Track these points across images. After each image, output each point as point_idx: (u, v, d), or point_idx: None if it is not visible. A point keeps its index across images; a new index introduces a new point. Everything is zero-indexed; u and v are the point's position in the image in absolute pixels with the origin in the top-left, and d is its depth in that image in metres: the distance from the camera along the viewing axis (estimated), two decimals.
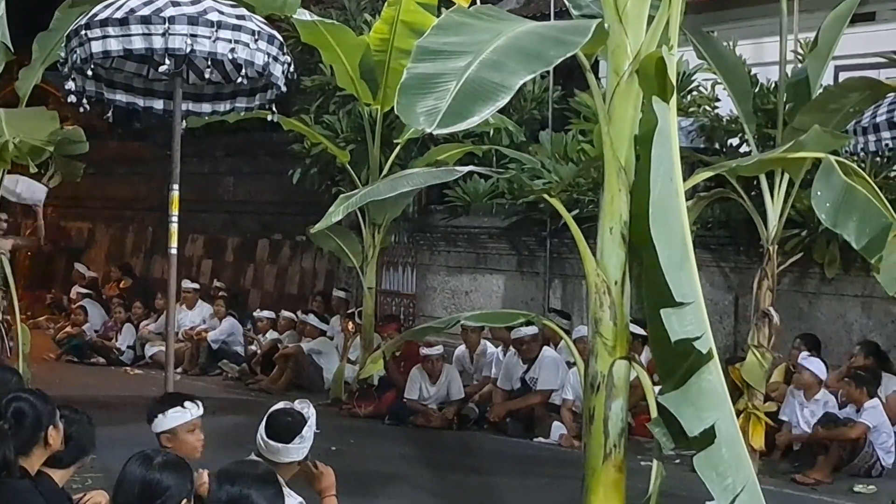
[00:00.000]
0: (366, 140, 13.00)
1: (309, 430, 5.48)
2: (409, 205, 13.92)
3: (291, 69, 8.18)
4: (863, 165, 9.39)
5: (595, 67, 6.25)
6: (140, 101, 8.86)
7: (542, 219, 12.97)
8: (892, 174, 10.26)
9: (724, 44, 10.63)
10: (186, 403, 5.59)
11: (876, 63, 10.98)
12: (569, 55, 4.99)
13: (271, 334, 14.83)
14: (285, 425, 5.47)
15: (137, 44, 7.39)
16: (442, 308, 14.37)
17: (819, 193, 6.34)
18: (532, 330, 11.30)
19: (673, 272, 4.61)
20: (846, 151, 8.72)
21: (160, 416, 5.57)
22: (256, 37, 7.62)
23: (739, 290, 11.41)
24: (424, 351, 12.01)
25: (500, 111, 11.92)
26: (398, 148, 12.62)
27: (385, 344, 11.39)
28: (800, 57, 10.95)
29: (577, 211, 11.13)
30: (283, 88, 8.43)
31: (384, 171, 12.39)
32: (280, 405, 5.67)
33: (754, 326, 9.59)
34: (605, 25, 5.65)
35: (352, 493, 7.49)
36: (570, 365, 11.17)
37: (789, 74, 10.02)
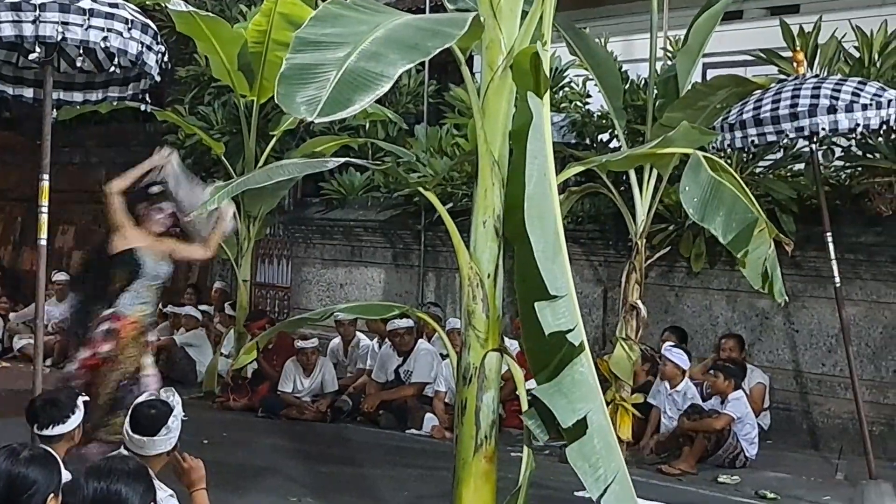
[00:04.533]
0: (241, 132, 12.91)
1: (174, 421, 5.45)
2: (285, 197, 13.85)
3: (166, 59, 8.08)
4: (730, 161, 9.62)
5: (470, 62, 6.31)
6: (9, 90, 8.65)
7: (417, 212, 13.02)
8: (758, 170, 10.53)
9: (596, 40, 10.78)
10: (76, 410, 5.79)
11: (743, 61, 11.23)
12: (445, 46, 5.04)
13: None
14: (149, 417, 5.43)
15: (6, 31, 7.21)
16: (317, 300, 14.33)
17: (687, 189, 6.48)
18: (407, 322, 11.36)
19: (546, 265, 4.68)
20: (714, 147, 8.89)
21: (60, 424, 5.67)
22: (130, 25, 7.49)
23: (608, 284, 11.59)
24: (299, 343, 11.98)
25: (377, 104, 12.01)
26: (274, 139, 12.57)
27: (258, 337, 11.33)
28: (669, 54, 11.17)
29: (451, 204, 11.22)
30: (157, 78, 8.32)
31: (260, 163, 12.30)
32: (144, 397, 5.65)
33: (622, 319, 9.76)
34: (481, 19, 5.70)
35: (223, 487, 7.46)
36: (443, 357, 11.25)
37: (659, 71, 10.21)
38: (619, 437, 9.45)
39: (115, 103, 9.60)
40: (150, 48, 7.72)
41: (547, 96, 5.49)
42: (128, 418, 5.46)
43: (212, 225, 8.34)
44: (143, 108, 8.85)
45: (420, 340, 11.69)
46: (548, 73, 5.45)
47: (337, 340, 12.75)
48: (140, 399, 5.62)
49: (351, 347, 12.63)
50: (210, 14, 11.95)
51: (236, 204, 12.48)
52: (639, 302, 9.74)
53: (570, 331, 4.63)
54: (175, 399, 5.54)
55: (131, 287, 7.94)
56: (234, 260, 12.99)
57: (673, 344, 10.49)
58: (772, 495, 8.84)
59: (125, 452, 5.30)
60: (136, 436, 5.37)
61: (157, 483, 4.80)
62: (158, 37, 7.94)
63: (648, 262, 10.01)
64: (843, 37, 10.36)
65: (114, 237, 8.02)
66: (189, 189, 8.31)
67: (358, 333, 12.64)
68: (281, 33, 11.61)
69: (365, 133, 13.23)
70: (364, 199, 13.65)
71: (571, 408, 4.61)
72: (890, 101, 8.22)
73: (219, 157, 12.96)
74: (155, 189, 8.19)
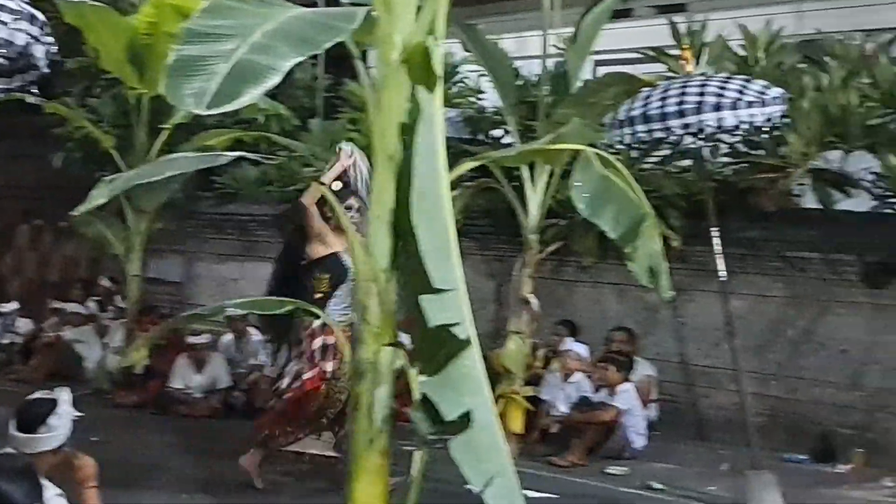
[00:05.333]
0: (132, 125, 12.75)
1: (58, 419, 5.37)
2: (177, 191, 13.71)
3: (54, 50, 7.96)
4: (619, 158, 9.73)
5: (364, 56, 6.32)
6: None
7: None
8: (647, 166, 10.69)
9: (489, 37, 10.85)
10: None
11: (632, 59, 11.38)
12: (338, 40, 5.04)
13: (27, 324, 14.39)
14: (33, 416, 5.36)
15: None
16: (209, 296, 14.22)
17: (577, 184, 6.56)
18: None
19: (435, 260, 4.71)
20: (604, 144, 9.01)
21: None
22: (17, 16, 7.36)
23: (501, 278, 11.69)
24: (190, 339, 11.88)
25: (270, 98, 11.95)
26: (165, 133, 12.43)
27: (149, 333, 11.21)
28: (561, 51, 11.29)
29: None
30: (46, 70, 8.19)
31: (151, 157, 12.17)
32: (32, 395, 5.56)
33: (514, 313, 9.85)
34: (374, 14, 5.72)
35: (113, 484, 7.34)
36: None
37: (551, 68, 10.32)
38: (510, 430, 9.61)
39: (1, 95, 9.43)
40: (37, 39, 7.58)
41: (440, 92, 5.52)
42: (13, 417, 5.38)
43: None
44: (30, 100, 8.66)
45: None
46: (441, 69, 5.48)
47: (229, 336, 12.66)
48: (28, 397, 5.54)
49: (243, 343, 12.56)
50: (99, 4, 11.78)
51: (127, 199, 12.36)
52: (531, 296, 9.84)
53: (456, 325, 4.66)
54: (65, 397, 5.46)
55: (337, 293, 7.77)
56: (124, 255, 12.83)
57: (573, 338, 10.64)
58: (659, 486, 9.00)
59: (10, 450, 5.23)
60: (19, 434, 5.30)
61: (43, 482, 4.74)
62: (47, 28, 7.82)
63: (540, 256, 10.12)
64: (728, 36, 10.56)
65: (313, 244, 7.81)
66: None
67: (251, 329, 12.57)
68: (171, 25, 11.43)
69: (259, 127, 13.17)
70: (258, 193, 13.57)
71: (457, 401, 4.64)
72: (774, 98, 8.40)
73: (108, 151, 12.78)
74: (336, 186, 7.97)
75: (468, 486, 4.49)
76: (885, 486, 9.15)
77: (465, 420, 4.59)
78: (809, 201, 10.21)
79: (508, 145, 10.85)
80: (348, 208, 7.80)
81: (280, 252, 8.70)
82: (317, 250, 7.75)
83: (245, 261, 14.04)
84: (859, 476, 9.46)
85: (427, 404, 4.80)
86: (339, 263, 7.74)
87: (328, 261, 7.75)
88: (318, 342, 7.54)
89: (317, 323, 7.47)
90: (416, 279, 4.92)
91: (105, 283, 14.58)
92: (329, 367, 7.52)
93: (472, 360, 4.79)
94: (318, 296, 7.61)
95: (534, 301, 9.86)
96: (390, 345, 5.99)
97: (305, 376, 7.57)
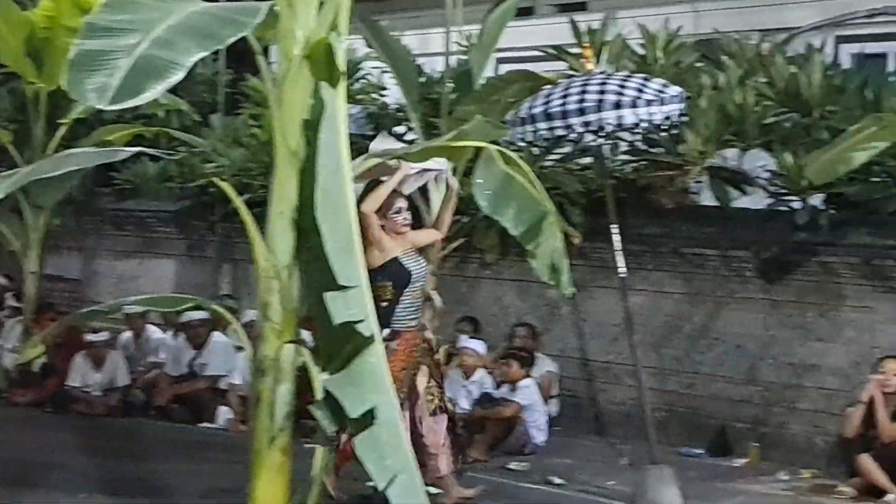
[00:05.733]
0: (29, 119, 12.53)
1: None
2: (75, 187, 13.51)
3: None
4: (521, 155, 9.80)
5: (267, 52, 6.29)
6: None
7: (213, 203, 12.87)
8: (548, 164, 10.78)
9: (392, 34, 10.86)
10: None
11: (534, 56, 11.46)
12: (240, 35, 5.01)
13: None
14: None
15: None
16: (108, 293, 14.03)
17: (480, 181, 6.60)
18: (201, 314, 11.22)
19: (338, 256, 4.71)
20: (506, 141, 9.06)
21: None
22: None
23: None
24: (89, 337, 11.72)
25: (171, 93, 11.83)
26: (63, 128, 12.24)
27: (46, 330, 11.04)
28: (464, 49, 11.33)
29: (247, 195, 11.09)
30: None
31: (49, 152, 11.98)
32: None
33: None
34: (276, 9, 5.70)
35: (9, 484, 7.27)
36: (238, 349, 11.16)
37: (454, 65, 10.36)
38: None
39: None
40: None
41: (343, 87, 5.52)
42: None
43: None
44: None
45: (215, 333, 11.58)
46: (343, 65, 5.48)
47: (128, 333, 12.51)
48: None
49: (142, 340, 12.42)
50: None
51: (24, 194, 12.15)
52: (433, 293, 9.86)
53: (360, 322, 4.67)
54: None
55: (402, 299, 7.57)
56: (20, 251, 12.61)
57: (471, 335, 10.67)
58: (559, 481, 9.09)
59: None
60: None
61: None
62: None
63: (443, 253, 10.15)
64: (628, 35, 10.69)
65: (370, 252, 7.27)
66: (413, 182, 8.14)
67: (150, 326, 12.43)
68: (71, 19, 11.26)
69: (159, 122, 13.01)
70: (158, 189, 13.42)
71: (361, 398, 4.65)
72: (673, 96, 8.51)
73: (5, 146, 12.55)
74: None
75: (371, 484, 4.50)
76: (780, 480, 9.34)
77: (368, 417, 4.60)
78: (707, 198, 10.37)
79: (412, 142, 10.86)
80: (398, 211, 7.72)
81: None
82: (375, 258, 7.43)
83: (145, 258, 13.89)
84: (755, 470, 9.65)
85: (331, 401, 4.80)
86: (399, 269, 7.59)
87: (388, 267, 7.54)
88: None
89: (385, 332, 7.16)
90: (320, 276, 4.92)
91: (1, 280, 14.31)
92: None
93: (375, 357, 4.80)
94: (384, 304, 7.37)
95: (436, 298, 9.89)
96: (292, 342, 5.97)
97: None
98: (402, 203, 7.79)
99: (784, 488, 9.14)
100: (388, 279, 7.52)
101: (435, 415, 7.75)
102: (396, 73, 10.36)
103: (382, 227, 7.60)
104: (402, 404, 7.00)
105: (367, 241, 6.96)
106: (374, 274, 7.14)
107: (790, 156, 9.40)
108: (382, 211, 7.59)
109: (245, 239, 5.86)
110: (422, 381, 7.66)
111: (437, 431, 7.75)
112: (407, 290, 7.57)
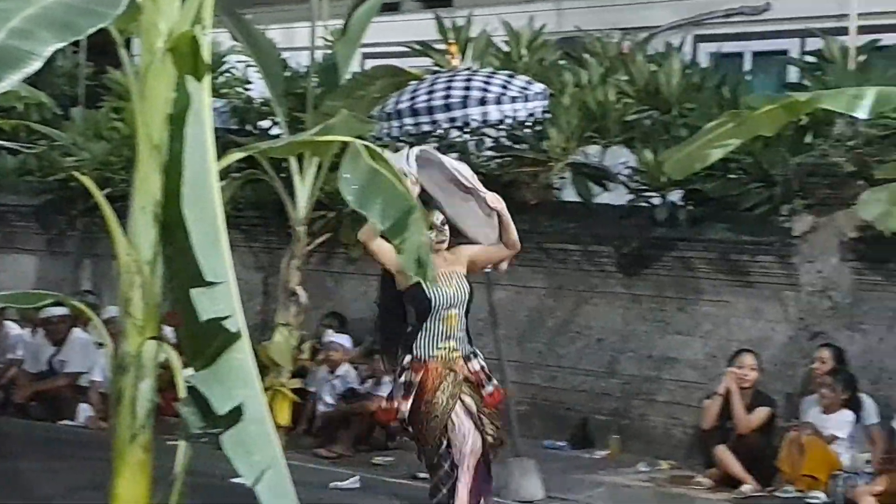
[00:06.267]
0: None
1: None
2: None
3: None
4: (388, 150, 9.82)
5: (129, 44, 6.20)
6: None
7: (73, 197, 12.63)
8: None
9: (257, 27, 10.77)
10: None
11: (400, 52, 11.49)
12: (100, 26, 4.91)
13: None
14: None
15: None
16: None
17: (346, 176, 6.55)
18: (60, 311, 11.00)
19: (204, 252, 4.66)
20: (372, 136, 9.07)
21: None
22: None
23: (269, 270, 11.63)
24: None
25: (31, 86, 11.55)
26: None
27: None
28: (329, 43, 11.31)
29: (109, 189, 10.94)
30: None
31: None
32: None
33: (282, 305, 9.83)
34: (138, 0, 5.61)
35: None
36: (99, 346, 10.98)
37: (320, 60, 10.33)
38: (277, 423, 9.57)
39: None
40: None
41: (207, 81, 5.45)
42: None
43: (484, 213, 6.89)
44: None
45: (75, 329, 11.37)
46: (208, 58, 5.42)
47: None
48: None
49: (0, 337, 12.13)
50: None
51: None
52: (299, 288, 9.83)
53: (227, 317, 4.63)
54: None
55: (425, 325, 6.62)
56: None
57: (336, 330, 10.66)
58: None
59: None
60: None
61: None
62: None
63: (309, 248, 10.12)
64: (493, 32, 10.78)
65: (398, 277, 6.61)
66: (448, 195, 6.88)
67: (7, 323, 12.15)
68: None
69: (18, 115, 12.72)
70: (17, 183, 13.12)
71: (228, 395, 4.61)
72: (536, 93, 8.62)
73: None
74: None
75: (235, 480, 4.46)
76: (640, 471, 9.52)
77: (236, 413, 4.57)
78: (569, 195, 10.53)
79: (277, 136, 10.80)
80: (434, 227, 6.70)
81: (379, 287, 7.33)
82: (400, 282, 6.63)
83: (3, 253, 13.55)
84: (615, 461, 9.82)
85: (197, 398, 4.75)
86: (420, 294, 6.59)
87: (411, 292, 6.61)
88: (402, 377, 6.62)
89: (406, 358, 6.61)
90: (186, 271, 4.86)
91: None
92: (404, 407, 6.57)
93: (242, 353, 4.77)
94: (410, 329, 6.68)
95: (302, 293, 9.86)
96: (154, 338, 5.90)
97: (378, 404, 6.83)
98: (437, 216, 6.77)
99: (643, 479, 9.32)
100: (411, 304, 6.71)
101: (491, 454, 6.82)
102: (261, 68, 10.29)
103: None
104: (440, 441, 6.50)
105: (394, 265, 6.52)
106: (405, 298, 6.68)
107: (650, 153, 9.58)
108: None
109: (106, 234, 5.77)
110: (462, 422, 6.57)
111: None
112: (431, 316, 6.62)
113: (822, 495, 8.46)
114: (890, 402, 9.06)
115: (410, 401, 6.52)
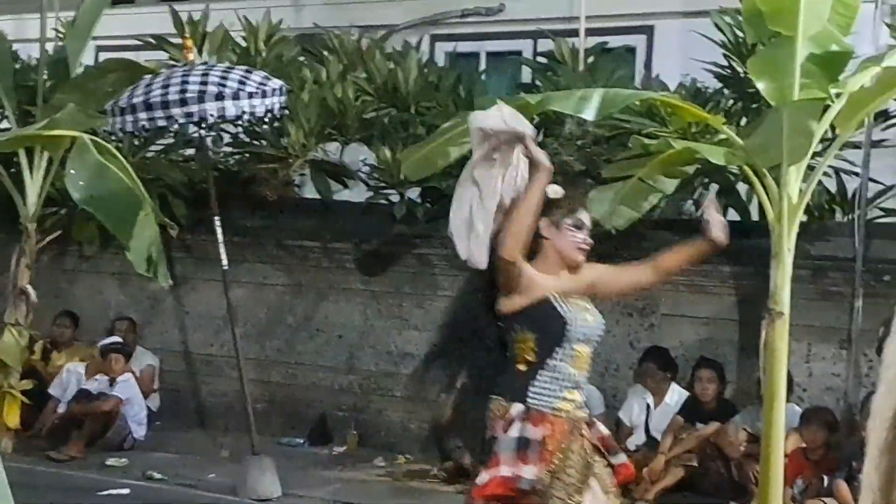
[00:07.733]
0: None
1: None
2: None
3: None
4: (121, 146, 9.63)
5: None
6: None
7: None
8: (151, 155, 10.63)
9: None
10: None
11: (135, 45, 11.27)
12: None
13: None
14: None
15: None
16: None
17: (73, 172, 6.46)
18: None
19: None
20: (105, 131, 8.86)
21: None
22: None
23: None
24: None
25: None
26: None
27: None
28: (60, 35, 10.98)
29: None
30: None
31: None
32: None
33: (12, 304, 9.52)
34: None
35: None
36: None
37: (50, 52, 10.04)
38: (6, 426, 9.28)
39: None
40: None
41: None
42: None
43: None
44: None
45: None
46: None
47: None
48: None
49: None
50: None
51: None
52: (28, 287, 9.54)
53: None
54: None
55: (551, 361, 4.80)
56: None
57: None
58: (159, 476, 8.99)
59: None
60: None
61: None
62: None
63: (39, 245, 9.82)
64: (231, 26, 10.70)
65: (512, 296, 4.82)
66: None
67: None
68: None
69: None
70: None
71: None
72: (274, 90, 8.61)
73: None
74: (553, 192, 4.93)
75: None
76: (377, 466, 9.61)
77: None
78: (309, 191, 10.55)
79: (5, 130, 10.42)
80: (578, 225, 4.97)
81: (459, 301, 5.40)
82: (514, 302, 4.87)
83: None
84: (353, 457, 9.88)
85: None
86: (550, 313, 4.84)
87: (534, 311, 4.83)
88: (513, 431, 4.75)
89: (516, 408, 4.78)
90: None
91: None
92: (528, 473, 4.67)
93: None
94: (522, 367, 4.83)
95: (31, 292, 9.55)
96: None
97: (481, 478, 4.73)
98: (583, 215, 5.03)
99: (380, 474, 9.42)
100: (533, 330, 4.84)
101: None
102: None
103: (542, 241, 4.91)
104: None
105: (510, 286, 4.84)
106: (511, 321, 4.88)
107: (388, 150, 9.67)
108: (553, 218, 4.93)
109: None
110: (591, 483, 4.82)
111: None
112: (560, 350, 4.84)
113: None
114: (617, 393, 9.42)
115: (533, 468, 4.71)
